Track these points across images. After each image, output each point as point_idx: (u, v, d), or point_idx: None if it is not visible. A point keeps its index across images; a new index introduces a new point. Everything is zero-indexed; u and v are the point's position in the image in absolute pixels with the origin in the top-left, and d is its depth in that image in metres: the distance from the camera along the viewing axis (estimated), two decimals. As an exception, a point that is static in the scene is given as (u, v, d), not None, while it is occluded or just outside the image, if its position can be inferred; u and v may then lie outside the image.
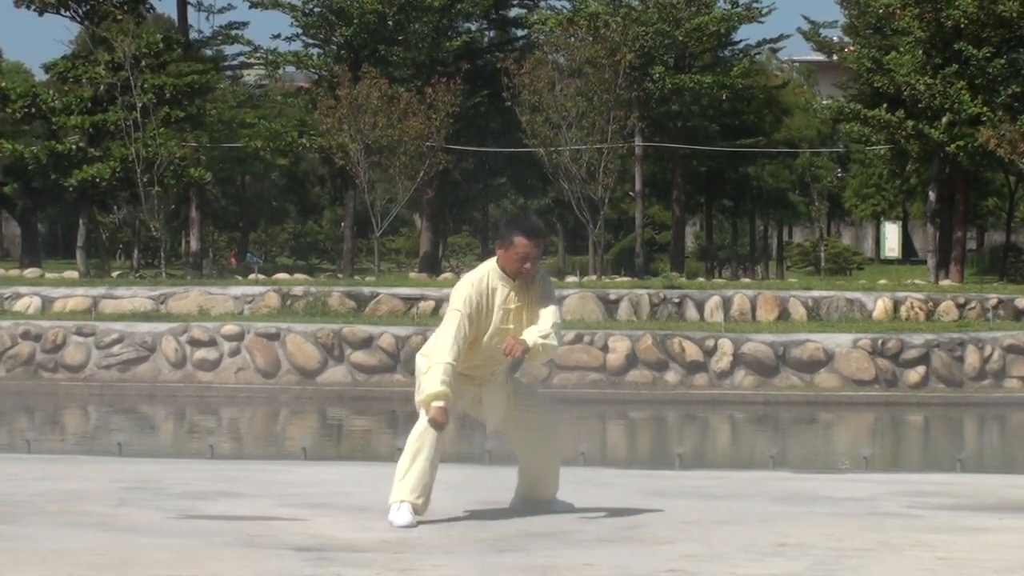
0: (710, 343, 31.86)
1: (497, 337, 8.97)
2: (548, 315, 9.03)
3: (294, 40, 53.50)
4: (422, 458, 8.88)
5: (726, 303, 34.28)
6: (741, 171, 60.56)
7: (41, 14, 45.20)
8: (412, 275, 43.17)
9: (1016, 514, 9.78)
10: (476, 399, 9.15)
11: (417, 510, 8.84)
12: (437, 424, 8.78)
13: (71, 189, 43.04)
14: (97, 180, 42.23)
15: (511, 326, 9.00)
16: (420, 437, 8.91)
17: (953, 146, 44.21)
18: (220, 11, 57.01)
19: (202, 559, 7.40)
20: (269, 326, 32.08)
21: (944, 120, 44.19)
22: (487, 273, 9.09)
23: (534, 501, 9.35)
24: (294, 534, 8.30)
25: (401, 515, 8.79)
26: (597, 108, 43.98)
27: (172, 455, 19.03)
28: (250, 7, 51.52)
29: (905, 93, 44.69)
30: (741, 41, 56.36)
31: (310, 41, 52.88)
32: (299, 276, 41.18)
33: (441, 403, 8.75)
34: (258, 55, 53.44)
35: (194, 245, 51.31)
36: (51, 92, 44.41)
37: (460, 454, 16.30)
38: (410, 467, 8.89)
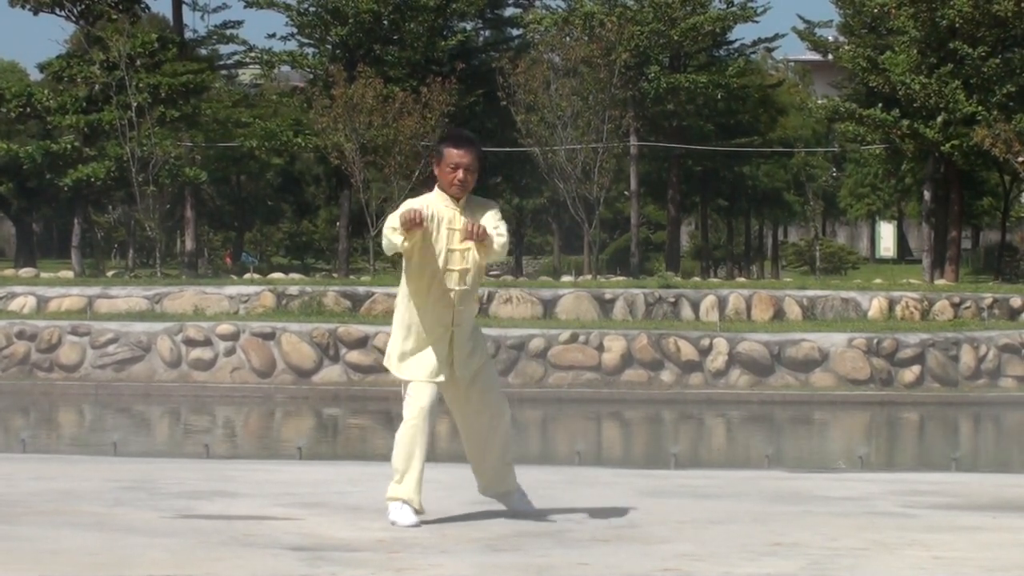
0: (705, 342, 31.88)
1: (451, 261, 8.84)
2: (491, 217, 8.95)
3: (289, 39, 53.52)
4: (417, 455, 8.84)
5: (721, 303, 34.30)
6: (736, 170, 60.55)
7: (36, 13, 45.14)
8: (407, 275, 43.09)
9: (1011, 513, 9.79)
10: (446, 355, 8.90)
11: (418, 509, 8.83)
12: (412, 219, 8.63)
13: (66, 189, 43.02)
14: (92, 180, 42.21)
15: (459, 248, 8.84)
16: (411, 432, 8.83)
17: (948, 145, 44.23)
18: (215, 10, 57.13)
19: (198, 559, 7.40)
20: (264, 326, 32.08)
21: (939, 119, 44.21)
22: (430, 197, 9.03)
23: (498, 494, 9.22)
24: (289, 534, 8.30)
25: (405, 515, 8.76)
26: (592, 107, 43.99)
27: (168, 455, 19.03)
28: (245, 6, 51.47)
29: (900, 92, 44.71)
30: (736, 40, 56.49)
31: (305, 40, 52.86)
32: (294, 276, 41.17)
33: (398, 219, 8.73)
34: (253, 54, 53.42)
35: (189, 245, 51.27)
36: (46, 91, 44.38)
37: (454, 454, 16.31)
38: (407, 464, 8.85)
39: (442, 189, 9.02)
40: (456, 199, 8.99)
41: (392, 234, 8.83)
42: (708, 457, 21.69)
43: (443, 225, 8.92)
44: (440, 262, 8.88)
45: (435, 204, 8.98)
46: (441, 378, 8.87)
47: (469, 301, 9.02)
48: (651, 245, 68.46)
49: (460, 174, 8.97)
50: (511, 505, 9.18)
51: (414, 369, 8.91)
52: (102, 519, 8.77)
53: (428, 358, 8.89)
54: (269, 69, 54.15)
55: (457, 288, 8.88)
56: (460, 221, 8.88)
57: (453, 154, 9.00)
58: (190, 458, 15.76)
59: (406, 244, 8.76)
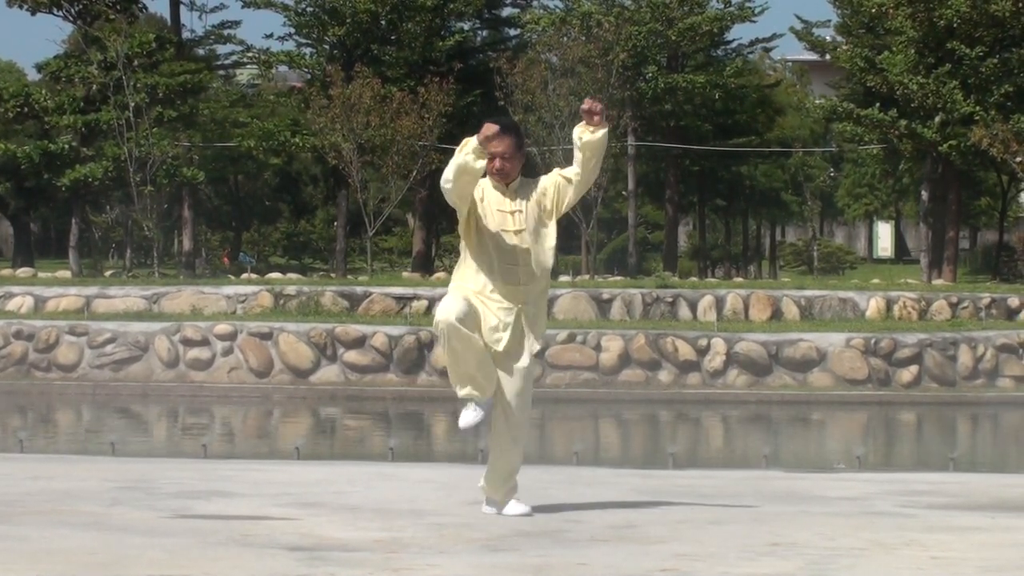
0: (703, 342, 31.87)
1: (505, 241, 8.98)
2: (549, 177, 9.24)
3: (287, 40, 53.55)
4: (456, 356, 8.83)
5: (719, 302, 34.30)
6: (734, 170, 60.59)
7: (33, 13, 45.16)
8: (405, 274, 43.18)
9: (1009, 513, 9.79)
10: (512, 325, 8.98)
11: (474, 398, 8.90)
12: (486, 132, 8.93)
13: (64, 189, 43.02)
14: (90, 180, 42.21)
15: (514, 229, 9.01)
16: (443, 336, 8.85)
17: (946, 145, 44.25)
18: (212, 10, 57.01)
19: (195, 559, 7.40)
20: (262, 325, 32.07)
21: (937, 119, 44.22)
22: (484, 181, 9.15)
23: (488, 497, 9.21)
24: (287, 534, 8.29)
25: (464, 417, 8.94)
26: (590, 108, 43.95)
27: (165, 455, 19.02)
28: (243, 6, 51.50)
29: (898, 92, 44.73)
30: (734, 40, 56.51)
31: (303, 41, 52.89)
32: (292, 275, 41.18)
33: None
34: (251, 54, 53.43)
35: (187, 245, 51.29)
36: (43, 91, 44.38)
37: (453, 453, 16.32)
38: (451, 366, 8.91)
39: (489, 176, 9.13)
40: (505, 185, 9.11)
41: (464, 157, 8.90)
42: (706, 457, 21.68)
43: (493, 207, 9.06)
44: (495, 243, 9.00)
45: (488, 187, 9.11)
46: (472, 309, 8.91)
47: (534, 281, 9.08)
48: (649, 245, 68.49)
49: (497, 163, 9.09)
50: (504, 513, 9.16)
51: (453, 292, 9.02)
52: (99, 519, 8.76)
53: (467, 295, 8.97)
54: (267, 69, 54.16)
55: (520, 266, 9.00)
56: (511, 205, 9.03)
57: (489, 145, 9.07)
58: (188, 458, 15.75)
59: (479, 163, 8.87)
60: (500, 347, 8.96)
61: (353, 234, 57.02)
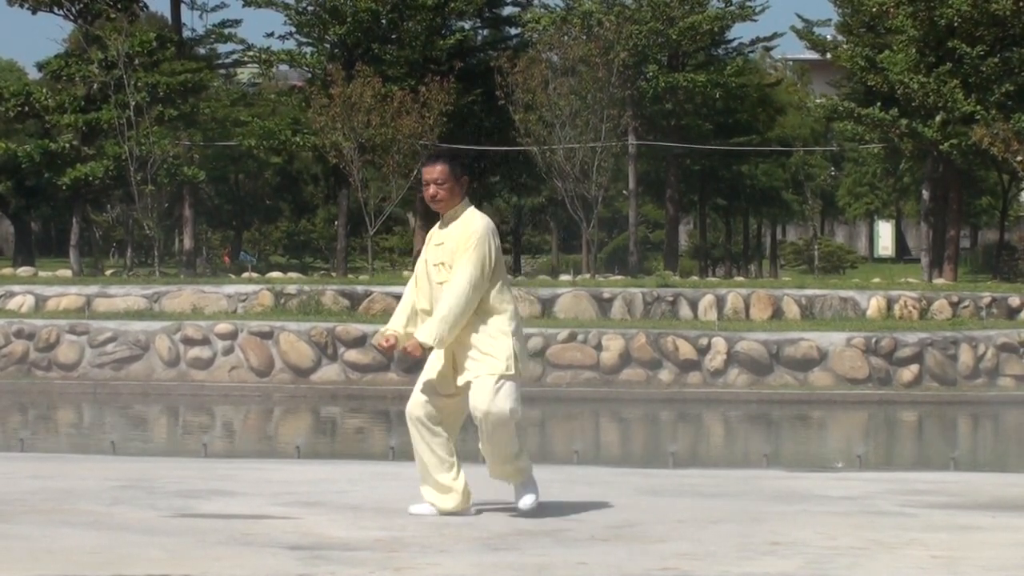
0: (704, 342, 31.88)
1: (434, 275, 8.98)
2: (446, 294, 8.81)
3: (287, 38, 53.48)
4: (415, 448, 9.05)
5: (720, 302, 34.30)
6: (735, 170, 60.53)
7: (34, 12, 45.12)
8: (406, 274, 43.09)
9: (1009, 512, 9.79)
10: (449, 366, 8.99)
11: (429, 500, 9.06)
12: (381, 349, 9.19)
13: (64, 188, 43.00)
14: (90, 179, 42.18)
15: (436, 262, 8.98)
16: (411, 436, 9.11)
17: (946, 145, 44.21)
18: (213, 9, 57.00)
19: (195, 558, 7.40)
20: (263, 325, 32.08)
21: (937, 119, 44.19)
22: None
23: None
24: (288, 533, 8.29)
25: (417, 506, 9.14)
26: (591, 107, 43.95)
27: (166, 454, 19.03)
28: (243, 5, 51.45)
29: (899, 92, 44.71)
30: (735, 40, 56.46)
31: (303, 39, 52.84)
32: (293, 275, 41.16)
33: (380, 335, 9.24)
34: (251, 53, 53.37)
35: (188, 244, 51.27)
36: (44, 90, 44.34)
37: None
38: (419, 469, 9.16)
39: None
40: (440, 214, 9.15)
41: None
42: (706, 456, 21.69)
43: (431, 242, 9.13)
44: (424, 279, 9.06)
45: (436, 227, 9.18)
46: (437, 397, 8.99)
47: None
48: (649, 244, 68.48)
49: (431, 190, 9.13)
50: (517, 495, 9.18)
51: (420, 378, 9.16)
52: (100, 518, 8.76)
53: (432, 368, 9.05)
54: (267, 68, 54.09)
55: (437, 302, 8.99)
56: (439, 236, 9.07)
57: (424, 172, 9.18)
58: (188, 457, 15.76)
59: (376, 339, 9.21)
60: (446, 389, 8.98)
61: (354, 233, 56.98)
